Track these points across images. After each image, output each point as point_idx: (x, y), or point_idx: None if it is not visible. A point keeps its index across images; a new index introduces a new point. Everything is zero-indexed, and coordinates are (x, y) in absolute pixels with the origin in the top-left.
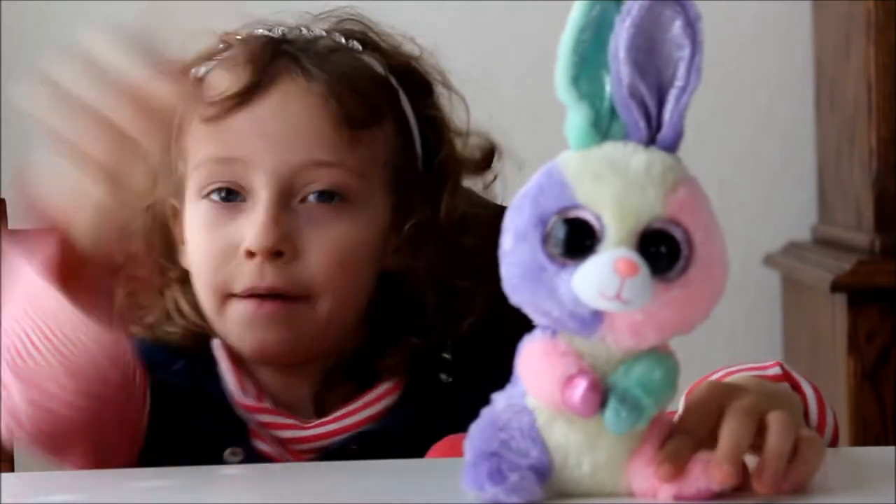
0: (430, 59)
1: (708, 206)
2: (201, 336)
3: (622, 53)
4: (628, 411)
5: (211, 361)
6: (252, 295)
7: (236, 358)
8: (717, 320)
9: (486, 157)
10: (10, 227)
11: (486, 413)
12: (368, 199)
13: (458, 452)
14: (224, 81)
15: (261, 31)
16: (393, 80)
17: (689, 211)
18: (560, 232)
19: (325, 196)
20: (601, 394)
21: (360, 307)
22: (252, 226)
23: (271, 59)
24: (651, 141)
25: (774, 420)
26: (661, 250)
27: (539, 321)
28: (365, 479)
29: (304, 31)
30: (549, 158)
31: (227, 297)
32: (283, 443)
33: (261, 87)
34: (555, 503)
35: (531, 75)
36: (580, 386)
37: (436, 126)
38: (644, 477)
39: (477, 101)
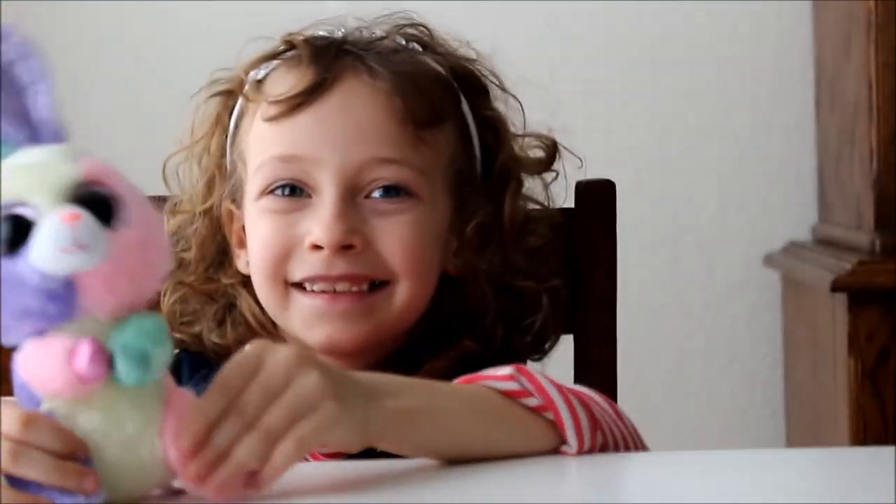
0: (486, 62)
1: (117, 169)
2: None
3: None
4: (135, 359)
5: None
6: (323, 291)
7: None
8: (717, 320)
9: (549, 157)
10: None
11: None
12: (431, 198)
13: None
14: (287, 81)
15: (322, 32)
16: (453, 82)
17: (102, 172)
18: (12, 231)
19: (391, 191)
20: (106, 354)
21: (426, 303)
22: (318, 221)
23: (335, 57)
24: (38, 142)
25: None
26: (96, 201)
27: (24, 330)
28: (382, 479)
29: (364, 32)
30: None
31: (289, 287)
32: None
33: (325, 85)
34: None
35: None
36: (83, 351)
37: (495, 128)
38: (175, 450)
39: (532, 103)
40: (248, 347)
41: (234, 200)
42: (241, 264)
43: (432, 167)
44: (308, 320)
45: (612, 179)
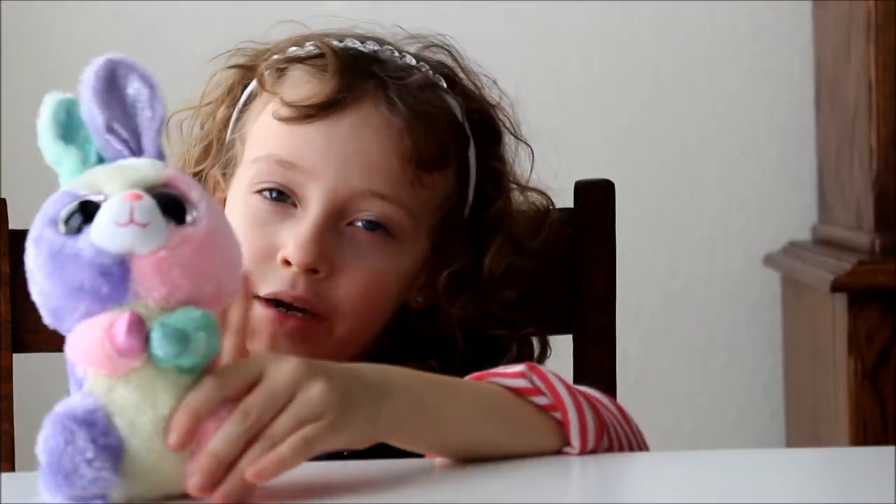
0: (507, 108)
1: (198, 183)
2: None
3: (91, 105)
4: (171, 336)
5: None
6: (279, 304)
7: None
8: (718, 320)
9: (540, 222)
10: (10, 227)
11: (51, 419)
12: (411, 239)
13: None
14: (307, 87)
15: (354, 43)
16: (467, 128)
17: (180, 180)
18: (66, 211)
19: (372, 225)
20: (145, 328)
21: (372, 335)
22: (295, 237)
23: (359, 77)
24: None
25: (284, 421)
26: (169, 201)
27: (78, 312)
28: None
29: (396, 53)
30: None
31: (251, 297)
32: None
33: (342, 103)
34: None
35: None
36: (121, 322)
37: (496, 179)
38: (205, 433)
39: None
40: (251, 357)
41: (223, 172)
42: None
43: (422, 209)
44: (256, 327)
45: (612, 179)
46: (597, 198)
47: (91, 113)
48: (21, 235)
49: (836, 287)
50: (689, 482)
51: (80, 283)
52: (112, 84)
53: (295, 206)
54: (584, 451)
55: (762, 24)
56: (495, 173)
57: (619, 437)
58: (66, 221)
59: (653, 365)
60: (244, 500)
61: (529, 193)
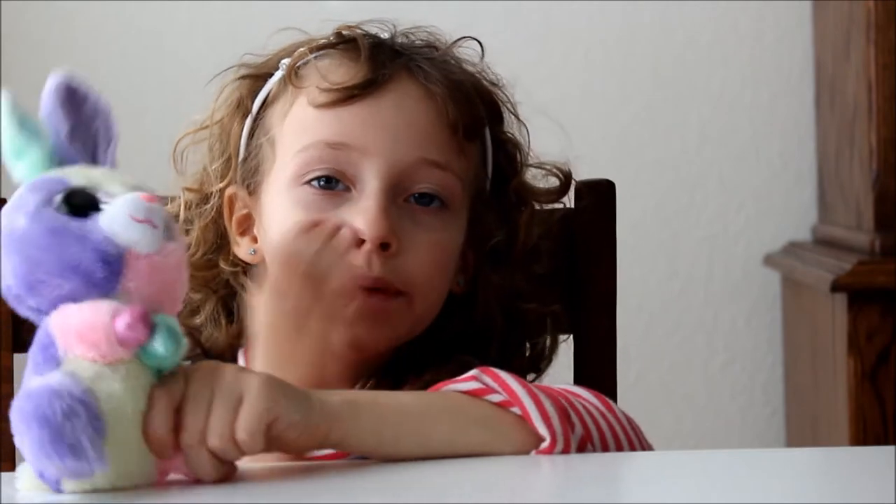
0: (505, 90)
1: None
2: (228, 350)
3: (56, 112)
4: (174, 337)
5: None
6: (360, 287)
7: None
8: (718, 320)
9: (563, 187)
10: None
11: (24, 403)
12: (462, 208)
13: None
14: (341, 72)
15: (372, 29)
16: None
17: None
18: (66, 193)
19: (425, 199)
20: (150, 323)
21: (433, 317)
22: (361, 213)
23: (390, 57)
24: None
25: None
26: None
27: (55, 292)
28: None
29: (410, 38)
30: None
31: (322, 285)
32: None
33: (381, 81)
34: None
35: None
36: (130, 312)
37: (511, 153)
38: None
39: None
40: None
41: (246, 186)
42: (241, 252)
43: (467, 178)
44: (337, 316)
45: (612, 179)
46: (597, 198)
47: (56, 119)
48: None
49: (836, 287)
50: (689, 482)
51: (78, 262)
52: (72, 97)
53: (348, 189)
54: (554, 437)
55: (762, 24)
56: (507, 147)
57: (596, 422)
58: (69, 202)
59: (653, 365)
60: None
61: (546, 167)
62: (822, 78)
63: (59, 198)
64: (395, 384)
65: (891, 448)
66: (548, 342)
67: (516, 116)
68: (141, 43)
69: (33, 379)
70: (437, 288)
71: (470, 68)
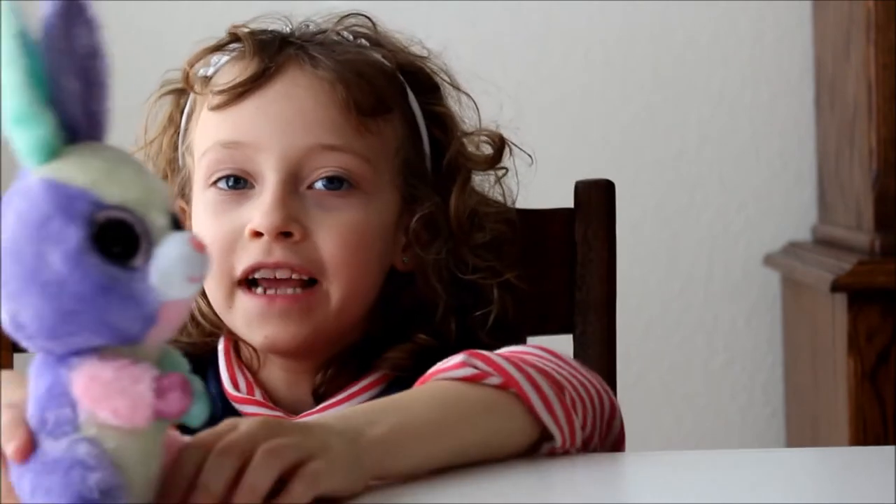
0: (436, 60)
1: None
2: (210, 343)
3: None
4: (208, 404)
5: (213, 364)
6: (264, 291)
7: (236, 354)
8: (718, 320)
9: (497, 153)
10: None
11: (51, 479)
12: (377, 189)
13: None
14: (232, 72)
15: (264, 24)
16: (399, 76)
17: None
18: (111, 233)
19: (334, 183)
20: (191, 393)
21: (369, 300)
22: (258, 208)
23: (278, 49)
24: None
25: (258, 454)
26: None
27: (75, 338)
28: None
29: (311, 27)
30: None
31: (234, 285)
32: None
33: (268, 74)
34: None
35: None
36: (171, 388)
37: (444, 124)
38: None
39: (483, 101)
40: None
41: (183, 196)
42: None
43: (377, 156)
44: (249, 320)
45: (612, 179)
46: (597, 198)
47: (55, 41)
48: None
49: (836, 287)
50: (689, 482)
51: (118, 321)
52: (78, 18)
53: (252, 186)
54: (555, 416)
55: (762, 24)
56: (441, 119)
57: (575, 387)
58: (102, 241)
59: (653, 365)
60: None
61: (482, 136)
62: (822, 78)
63: (93, 230)
64: (360, 368)
65: (891, 448)
66: (508, 313)
67: (454, 86)
68: (141, 43)
69: (46, 442)
70: (357, 268)
71: (390, 45)
